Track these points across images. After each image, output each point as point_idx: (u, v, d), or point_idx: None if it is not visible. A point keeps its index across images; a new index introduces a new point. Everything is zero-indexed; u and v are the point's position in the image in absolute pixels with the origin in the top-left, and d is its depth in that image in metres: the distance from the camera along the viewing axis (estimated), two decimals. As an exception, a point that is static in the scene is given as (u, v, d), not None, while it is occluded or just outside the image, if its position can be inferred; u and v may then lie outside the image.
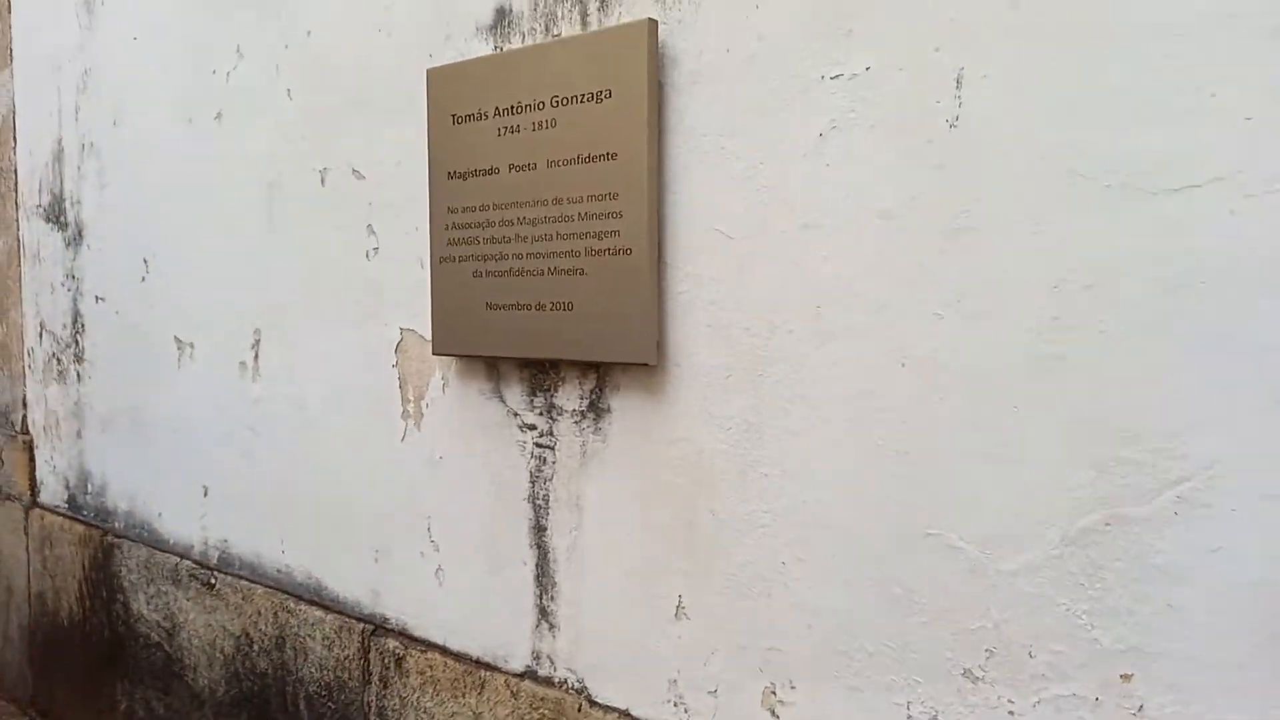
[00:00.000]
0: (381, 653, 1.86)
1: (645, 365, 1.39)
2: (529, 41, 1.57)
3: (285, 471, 2.12)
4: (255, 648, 2.17)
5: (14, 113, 2.99)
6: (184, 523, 2.43)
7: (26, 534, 3.03)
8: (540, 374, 1.59)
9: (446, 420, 1.75)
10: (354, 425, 1.94)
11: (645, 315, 1.38)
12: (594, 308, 1.44)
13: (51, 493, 2.95)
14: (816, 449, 1.25)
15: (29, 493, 3.03)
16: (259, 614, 2.16)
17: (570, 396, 1.54)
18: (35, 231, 2.94)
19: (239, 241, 2.20)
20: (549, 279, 1.49)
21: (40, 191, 2.90)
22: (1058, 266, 1.05)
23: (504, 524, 1.66)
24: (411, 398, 1.82)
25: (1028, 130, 1.06)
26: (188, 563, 2.39)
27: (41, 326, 2.94)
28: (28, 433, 3.04)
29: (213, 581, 2.30)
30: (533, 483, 1.60)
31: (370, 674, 1.88)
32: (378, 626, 1.90)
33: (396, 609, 1.87)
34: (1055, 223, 1.05)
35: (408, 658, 1.81)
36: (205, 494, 2.35)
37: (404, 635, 1.85)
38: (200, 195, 2.31)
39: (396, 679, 1.83)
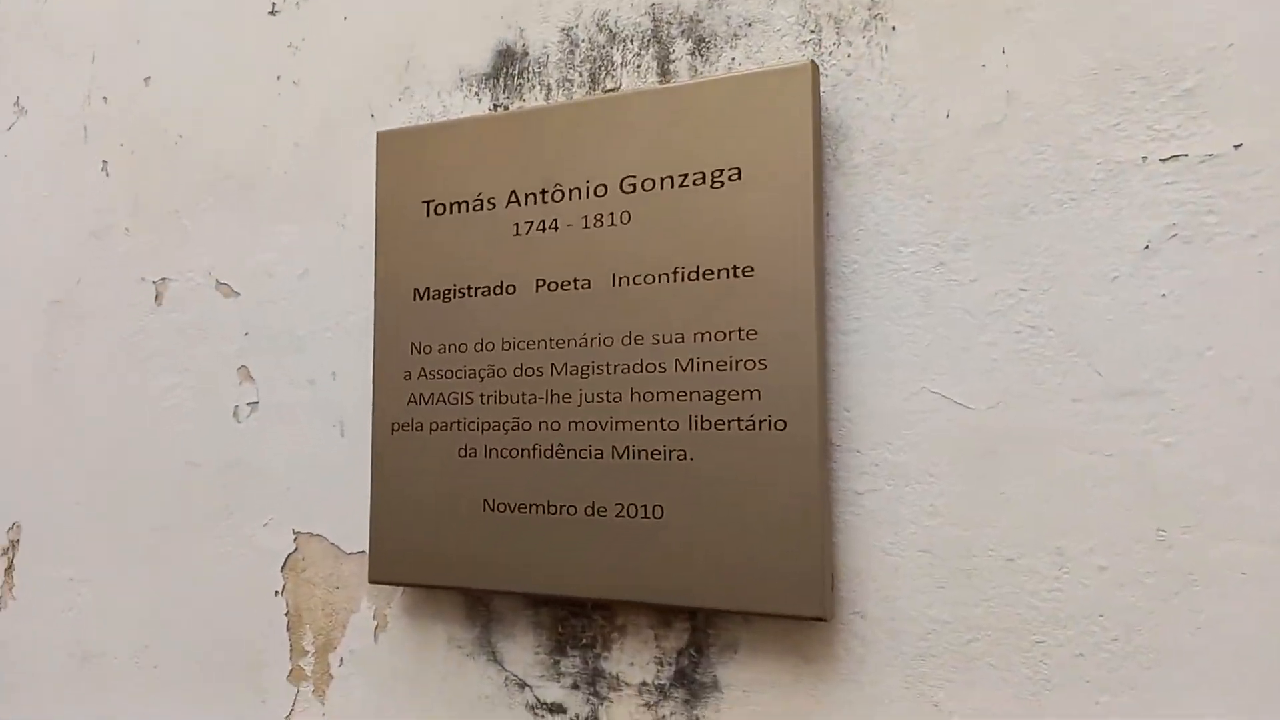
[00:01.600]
0: None
1: (802, 619, 0.82)
2: (559, 98, 1.03)
3: (50, 762, 1.29)
4: None
5: None
6: None
7: None
8: (573, 618, 0.96)
9: (381, 688, 1.06)
10: (193, 696, 1.19)
11: (806, 533, 0.82)
12: (703, 517, 0.86)
13: None
14: (1157, 771, 0.73)
15: None
16: None
17: (637, 659, 0.93)
18: None
19: (-7, 385, 1.41)
20: (616, 466, 0.90)
21: None
22: None
23: None
24: (311, 647, 1.11)
25: None
26: None
27: None
28: None
29: None
30: (552, 804, 0.95)
31: None
32: None
33: None
34: None
35: None
36: (-113, 794, 1.43)
37: None
38: (-72, 313, 1.50)
39: None
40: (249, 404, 1.19)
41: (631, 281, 0.91)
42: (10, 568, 1.36)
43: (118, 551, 1.26)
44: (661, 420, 0.89)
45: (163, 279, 1.27)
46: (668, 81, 0.97)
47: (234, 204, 1.22)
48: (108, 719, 1.25)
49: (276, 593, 1.14)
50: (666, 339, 0.89)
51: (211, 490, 1.20)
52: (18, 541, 1.36)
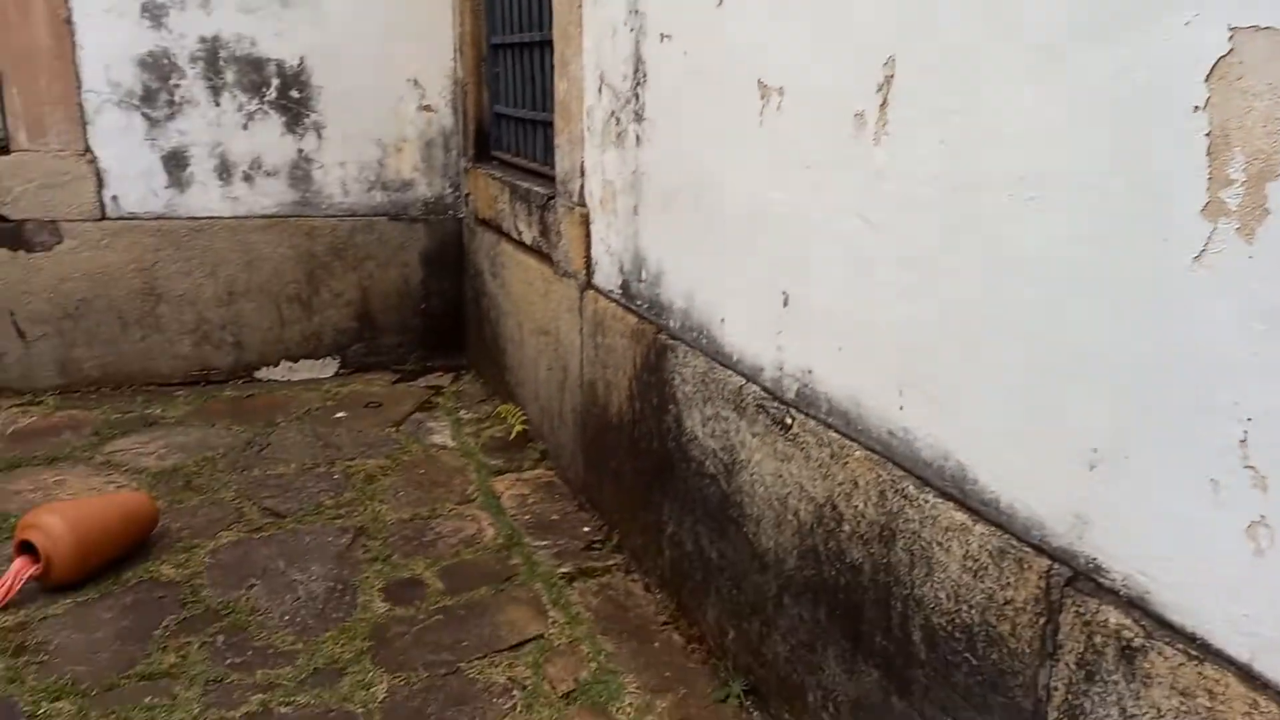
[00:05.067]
0: (1089, 624, 1.07)
1: None
2: None
3: (914, 289, 1.36)
4: (846, 529, 1.54)
5: None
6: (753, 336, 1.84)
7: (580, 316, 2.76)
8: None
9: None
10: (1067, 226, 1.09)
11: None
12: None
13: (605, 275, 2.60)
14: None
15: (584, 272, 2.73)
16: (854, 485, 1.51)
17: None
18: (598, -42, 2.43)
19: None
20: None
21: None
22: None
23: None
24: (1241, 175, 0.89)
25: None
26: (755, 388, 1.81)
27: (601, 79, 2.48)
28: (584, 204, 2.70)
29: (788, 421, 1.69)
30: None
31: (1058, 647, 1.12)
32: (1077, 573, 1.11)
33: (1126, 560, 1.05)
34: None
35: (1149, 657, 1.00)
36: (785, 303, 1.71)
37: (1140, 610, 1.03)
38: None
39: (1117, 679, 1.04)
40: None
41: None
42: (884, 104, 1.40)
43: (989, 75, 1.18)
44: None
45: None
46: None
47: None
48: (961, 266, 1.24)
49: (1196, 108, 0.92)
50: None
51: (1116, -11, 1.00)
52: (891, 79, 1.38)
